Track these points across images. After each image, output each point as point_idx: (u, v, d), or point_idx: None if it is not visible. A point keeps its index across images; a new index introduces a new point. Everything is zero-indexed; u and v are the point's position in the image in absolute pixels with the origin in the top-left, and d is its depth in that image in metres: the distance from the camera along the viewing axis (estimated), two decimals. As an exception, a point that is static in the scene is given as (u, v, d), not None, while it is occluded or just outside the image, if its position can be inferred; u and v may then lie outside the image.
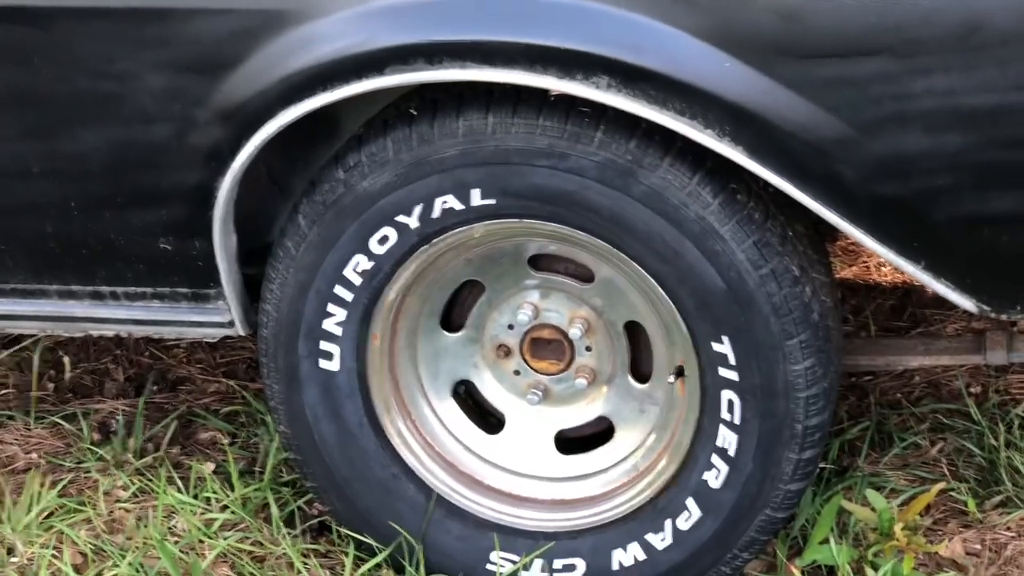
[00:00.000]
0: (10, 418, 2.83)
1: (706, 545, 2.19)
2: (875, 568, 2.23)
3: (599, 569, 2.25)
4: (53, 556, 2.36)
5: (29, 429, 2.78)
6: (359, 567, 2.32)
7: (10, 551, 2.42)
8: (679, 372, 2.19)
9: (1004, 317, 2.12)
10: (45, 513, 2.49)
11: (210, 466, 2.60)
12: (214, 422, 2.83)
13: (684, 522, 2.19)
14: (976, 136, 1.92)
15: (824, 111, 1.92)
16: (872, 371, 2.67)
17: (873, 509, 2.28)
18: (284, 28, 2.04)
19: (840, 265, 3.09)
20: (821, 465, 2.24)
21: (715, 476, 2.14)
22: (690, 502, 2.17)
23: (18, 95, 2.24)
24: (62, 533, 2.43)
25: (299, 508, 2.52)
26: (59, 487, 2.53)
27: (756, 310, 2.04)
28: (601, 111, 1.99)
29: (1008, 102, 1.89)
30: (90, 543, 2.41)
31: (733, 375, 2.07)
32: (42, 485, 2.54)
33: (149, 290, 2.36)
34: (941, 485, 2.38)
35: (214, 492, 2.52)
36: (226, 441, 2.74)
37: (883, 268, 2.95)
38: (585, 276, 2.24)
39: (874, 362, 2.52)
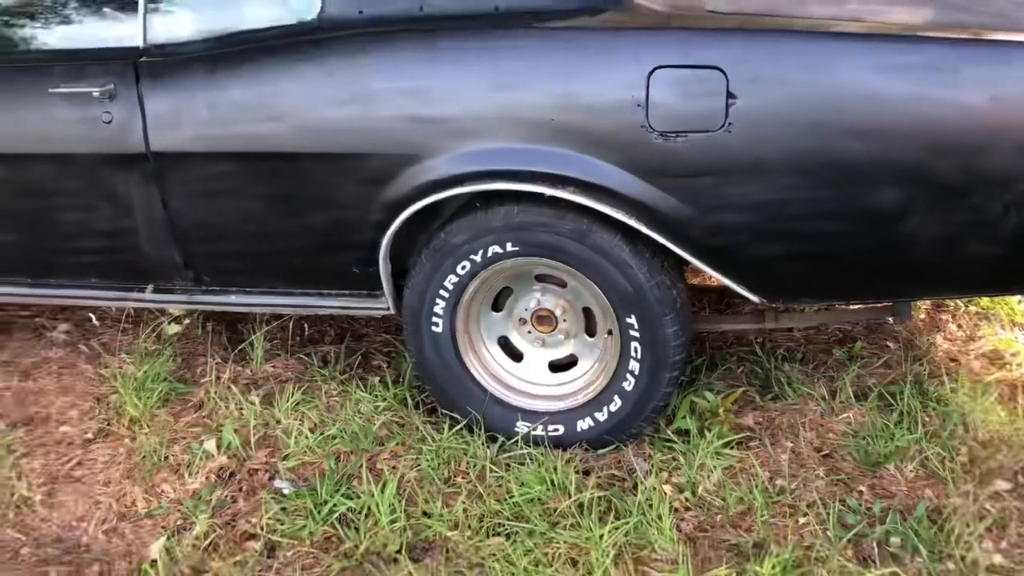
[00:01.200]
0: (276, 355, 2.80)
1: (624, 419, 2.24)
2: (710, 430, 2.28)
3: (570, 430, 2.28)
4: (299, 424, 2.41)
5: (287, 361, 2.76)
6: (451, 428, 2.34)
7: (278, 421, 2.46)
8: (610, 332, 2.22)
9: (774, 305, 2.19)
10: (296, 402, 2.49)
11: (376, 379, 2.59)
12: (379, 356, 2.82)
13: (613, 407, 2.24)
14: (752, 215, 1.97)
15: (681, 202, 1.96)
16: (707, 331, 2.66)
17: (708, 400, 2.34)
18: (417, 162, 2.07)
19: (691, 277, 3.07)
20: (681, 378, 2.26)
21: (628, 384, 2.20)
22: (615, 398, 2.22)
23: (277, 196, 2.23)
24: (303, 412, 2.47)
25: (422, 400, 2.52)
26: (301, 390, 2.54)
27: (648, 302, 2.09)
28: (569, 203, 2.02)
29: (762, 200, 1.93)
30: (319, 416, 2.45)
31: (637, 334, 2.13)
32: (284, 392, 2.55)
33: (347, 291, 2.37)
34: (743, 389, 2.47)
35: (380, 391, 2.53)
36: (385, 365, 2.72)
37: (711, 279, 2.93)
38: (562, 284, 2.27)
39: (707, 326, 2.52)
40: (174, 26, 2.31)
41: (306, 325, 2.96)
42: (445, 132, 2.01)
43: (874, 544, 1.94)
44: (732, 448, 2.22)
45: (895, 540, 1.94)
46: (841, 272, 2.02)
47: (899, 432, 2.25)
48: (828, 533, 1.97)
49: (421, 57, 2.08)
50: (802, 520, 2.02)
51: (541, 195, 2.01)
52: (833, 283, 2.07)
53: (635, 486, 2.16)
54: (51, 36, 2.51)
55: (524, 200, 2.05)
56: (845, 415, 2.35)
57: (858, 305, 2.51)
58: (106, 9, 2.41)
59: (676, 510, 2.07)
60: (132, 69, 2.25)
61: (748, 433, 2.28)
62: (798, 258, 1.98)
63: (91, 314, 2.94)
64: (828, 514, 1.99)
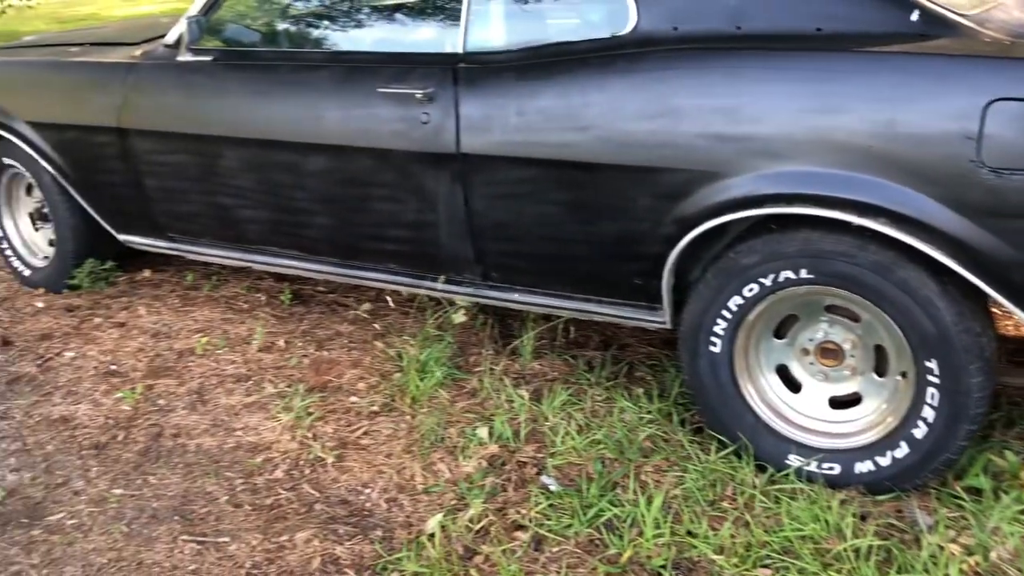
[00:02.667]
0: (544, 354, 2.89)
1: (909, 467, 2.11)
2: (1006, 493, 2.11)
3: (847, 471, 2.17)
4: (565, 424, 2.46)
5: (554, 361, 2.81)
6: (718, 451, 2.31)
7: (546, 418, 2.54)
8: (903, 374, 2.11)
9: None
10: (562, 402, 2.56)
11: (641, 390, 2.60)
12: (643, 368, 2.82)
13: (899, 454, 2.11)
14: None
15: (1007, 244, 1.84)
16: (1008, 385, 2.45)
17: (1007, 460, 2.19)
18: (715, 180, 2.07)
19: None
20: (977, 432, 2.08)
21: (919, 432, 2.07)
22: (903, 444, 2.10)
23: (573, 203, 2.29)
24: (569, 413, 2.53)
25: (687, 418, 2.49)
26: (568, 391, 2.59)
27: (953, 346, 1.96)
28: (875, 234, 1.94)
29: None
30: (584, 419, 2.48)
31: (936, 380, 2.00)
32: (552, 391, 2.62)
33: (625, 301, 2.38)
34: (1050, 453, 2.25)
35: (644, 403, 2.54)
36: (650, 378, 2.72)
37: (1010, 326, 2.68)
38: (855, 317, 2.16)
39: (1009, 380, 2.41)
40: (492, 35, 2.47)
41: (572, 328, 3.04)
42: (751, 151, 2.00)
43: None
44: (1031, 516, 2.00)
45: None
46: None
47: None
48: None
49: (732, 75, 2.08)
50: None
51: (843, 223, 1.95)
52: None
53: (917, 540, 2.03)
54: (378, 39, 2.74)
55: (825, 227, 1.99)
56: None
57: None
58: (430, 16, 2.59)
59: (964, 572, 1.91)
60: (451, 74, 2.39)
61: (1053, 504, 2.06)
62: None
63: (388, 297, 3.17)
64: None
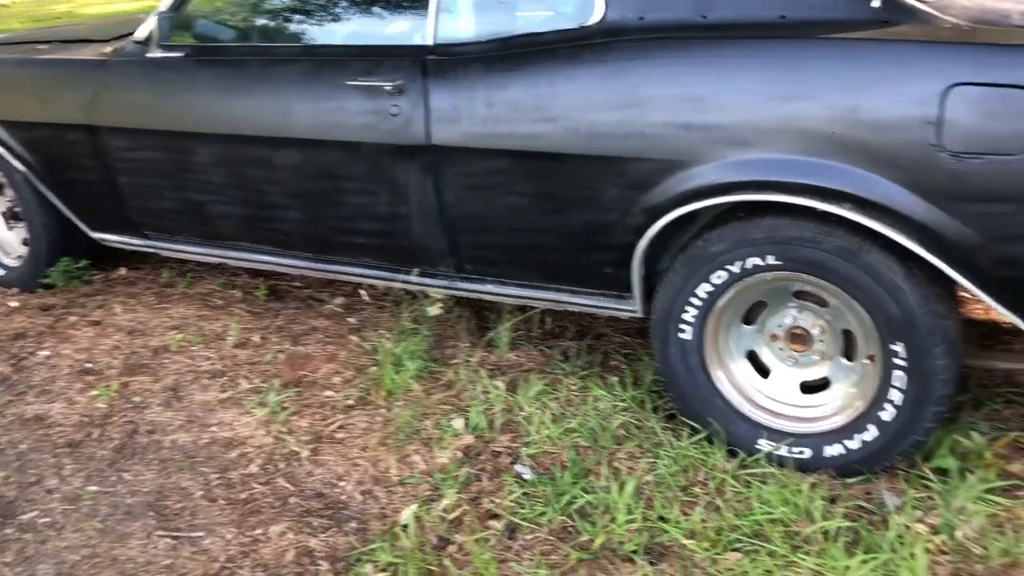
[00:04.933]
0: (519, 345, 2.89)
1: (878, 450, 2.12)
2: (972, 473, 2.14)
3: (817, 455, 2.19)
4: (540, 414, 2.47)
5: (530, 351, 2.83)
6: (690, 437, 2.32)
7: (521, 408, 2.55)
8: (871, 358, 2.12)
9: None
10: (538, 392, 2.57)
11: (615, 379, 2.60)
12: (617, 357, 2.78)
13: (868, 437, 2.13)
14: None
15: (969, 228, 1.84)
16: (974, 367, 2.41)
17: (974, 441, 2.20)
18: (682, 169, 2.08)
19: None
20: (944, 414, 2.10)
21: (887, 415, 2.09)
22: (871, 426, 2.11)
23: (543, 194, 2.29)
24: (544, 402, 2.52)
25: (660, 405, 2.49)
26: (543, 381, 2.61)
27: (919, 330, 1.98)
28: (840, 220, 1.96)
29: None
30: (559, 409, 2.51)
31: (903, 363, 2.02)
32: (528, 381, 2.63)
33: (597, 291, 2.39)
34: (1015, 433, 2.27)
35: (618, 392, 2.55)
36: (624, 366, 2.73)
37: (982, 311, 2.69)
38: (822, 303, 2.18)
39: (976, 362, 2.33)
40: (461, 26, 2.47)
41: (548, 319, 3.05)
42: (717, 140, 2.00)
43: None
44: (997, 495, 2.04)
45: None
46: None
47: None
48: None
49: (698, 64, 2.08)
50: (1078, 584, 1.83)
51: (810, 209, 1.96)
52: None
53: (885, 521, 2.05)
54: (347, 32, 2.73)
55: (791, 214, 2.01)
56: None
57: None
58: (399, 8, 2.58)
59: (930, 552, 1.94)
60: (420, 66, 2.39)
61: (1017, 482, 2.10)
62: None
63: (362, 291, 3.16)
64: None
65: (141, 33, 2.94)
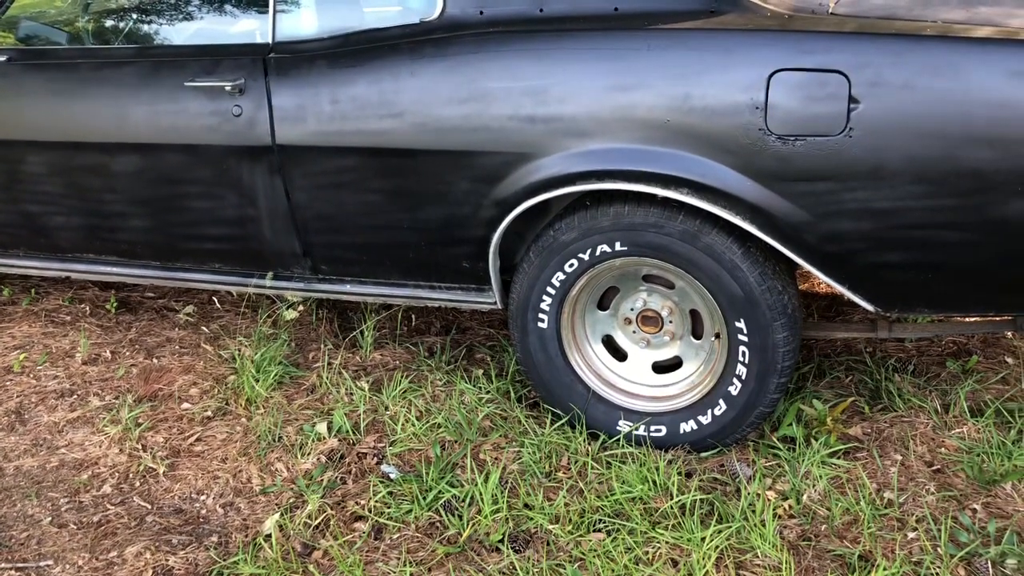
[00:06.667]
0: (385, 344, 2.89)
1: (728, 424, 2.22)
2: (816, 439, 2.25)
3: (672, 432, 2.27)
4: (406, 412, 2.47)
5: (395, 350, 2.83)
6: (553, 423, 2.37)
7: (386, 408, 2.53)
8: (717, 335, 2.21)
9: (888, 314, 2.13)
10: (403, 390, 2.56)
11: (480, 371, 2.65)
12: (482, 349, 2.87)
13: (717, 411, 2.22)
14: (871, 223, 1.92)
15: (797, 207, 1.93)
16: (816, 338, 2.62)
17: (816, 408, 2.31)
18: (528, 161, 2.10)
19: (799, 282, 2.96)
20: (788, 385, 2.23)
21: (734, 389, 2.18)
22: (720, 401, 2.20)
23: (394, 191, 2.24)
24: (410, 400, 2.53)
25: (525, 394, 2.55)
26: (408, 378, 2.61)
27: (758, 306, 2.06)
28: (680, 205, 2.03)
29: (882, 208, 1.89)
30: (424, 405, 2.51)
31: (745, 338, 2.10)
32: (393, 380, 2.62)
33: (456, 285, 2.40)
34: (852, 398, 2.42)
35: (483, 384, 2.58)
36: (489, 359, 2.77)
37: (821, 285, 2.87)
38: (670, 285, 2.26)
39: (816, 334, 2.46)
40: (301, 23, 2.42)
41: (413, 316, 3.05)
42: (559, 131, 2.03)
43: (988, 564, 1.88)
44: (839, 458, 2.18)
45: (1011, 562, 1.87)
46: (961, 283, 1.94)
47: (1017, 451, 2.17)
48: (939, 550, 1.92)
49: (538, 57, 2.11)
50: (911, 535, 1.97)
51: (652, 196, 2.02)
52: (952, 294, 1.98)
53: (738, 491, 2.14)
54: (186, 32, 2.63)
55: (635, 200, 2.06)
56: (958, 430, 2.29)
57: (976, 318, 2.41)
58: (237, 7, 2.51)
59: (779, 517, 2.04)
60: (261, 65, 2.33)
61: (856, 444, 2.24)
62: (917, 268, 1.92)
63: (213, 297, 3.06)
64: (939, 530, 1.94)
65: (-41, 36, 2.74)
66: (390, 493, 2.19)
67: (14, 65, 2.69)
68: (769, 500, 2.07)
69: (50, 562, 2.07)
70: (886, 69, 1.82)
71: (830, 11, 2.02)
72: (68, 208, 2.69)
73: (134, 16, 2.79)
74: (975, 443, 2.25)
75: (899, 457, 2.24)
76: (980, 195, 1.83)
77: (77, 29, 2.84)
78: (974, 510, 2.05)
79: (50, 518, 2.22)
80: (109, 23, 2.84)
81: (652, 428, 2.27)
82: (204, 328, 3.04)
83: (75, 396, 2.72)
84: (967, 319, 2.47)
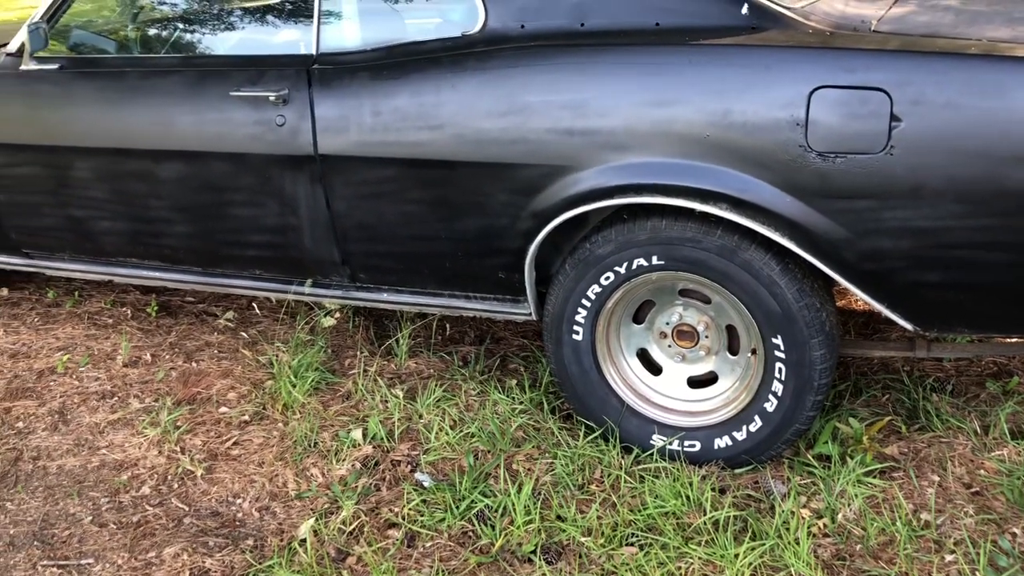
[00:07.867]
0: (419, 353, 2.91)
1: (763, 440, 2.20)
2: (852, 458, 2.23)
3: (707, 447, 2.27)
4: (439, 420, 2.49)
5: (429, 358, 2.85)
6: (586, 436, 2.38)
7: (420, 416, 2.55)
8: (753, 351, 2.20)
9: (926, 333, 2.12)
10: (437, 398, 2.58)
11: (513, 382, 2.65)
12: (516, 360, 2.87)
13: (753, 427, 2.20)
14: (911, 241, 1.92)
15: (837, 224, 1.92)
16: (853, 356, 2.55)
17: (852, 427, 2.29)
18: (566, 174, 2.11)
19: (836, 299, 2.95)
20: (824, 403, 2.21)
21: (770, 406, 2.16)
22: (756, 418, 2.19)
23: (433, 202, 2.28)
24: (443, 409, 2.54)
25: (558, 406, 2.54)
26: (442, 387, 2.62)
27: (796, 323, 2.05)
28: (719, 220, 2.03)
29: (922, 227, 1.88)
30: (458, 414, 2.54)
31: (782, 355, 2.09)
32: (427, 388, 2.64)
33: (491, 295, 2.42)
34: (889, 417, 2.39)
35: (516, 395, 2.58)
36: (522, 369, 2.77)
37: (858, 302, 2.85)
38: (706, 300, 2.26)
39: (853, 352, 2.41)
40: (345, 35, 2.47)
41: (448, 325, 3.07)
42: (598, 145, 2.04)
43: (1027, 589, 1.85)
44: (875, 477, 2.18)
45: (1051, 588, 1.84)
46: (1003, 304, 1.92)
47: (1059, 475, 2.13)
48: (977, 574, 1.89)
49: (578, 71, 2.12)
50: (948, 557, 1.95)
51: (690, 210, 2.02)
52: (994, 315, 1.96)
53: (772, 508, 2.13)
54: (231, 42, 2.69)
55: (672, 215, 2.07)
56: (998, 452, 2.26)
57: (1017, 338, 2.36)
58: (283, 18, 2.56)
59: (814, 535, 2.03)
60: (305, 76, 2.37)
61: (892, 463, 2.23)
62: (957, 287, 1.91)
63: (252, 303, 3.11)
64: (978, 554, 1.91)
65: (13, 45, 2.84)
66: (423, 501, 2.20)
67: (65, 73, 2.76)
68: (804, 518, 2.06)
69: (91, 560, 2.12)
70: (929, 87, 1.81)
71: (872, 28, 2.01)
72: (113, 213, 2.75)
73: (181, 26, 2.84)
74: (1015, 466, 2.22)
75: (936, 478, 2.22)
76: (1022, 215, 1.81)
77: (125, 38, 2.90)
78: (1014, 534, 2.03)
79: (91, 517, 2.26)
80: (156, 32, 2.89)
81: (686, 443, 2.26)
82: (243, 333, 3.08)
83: (116, 398, 2.77)
84: (1008, 339, 2.43)
